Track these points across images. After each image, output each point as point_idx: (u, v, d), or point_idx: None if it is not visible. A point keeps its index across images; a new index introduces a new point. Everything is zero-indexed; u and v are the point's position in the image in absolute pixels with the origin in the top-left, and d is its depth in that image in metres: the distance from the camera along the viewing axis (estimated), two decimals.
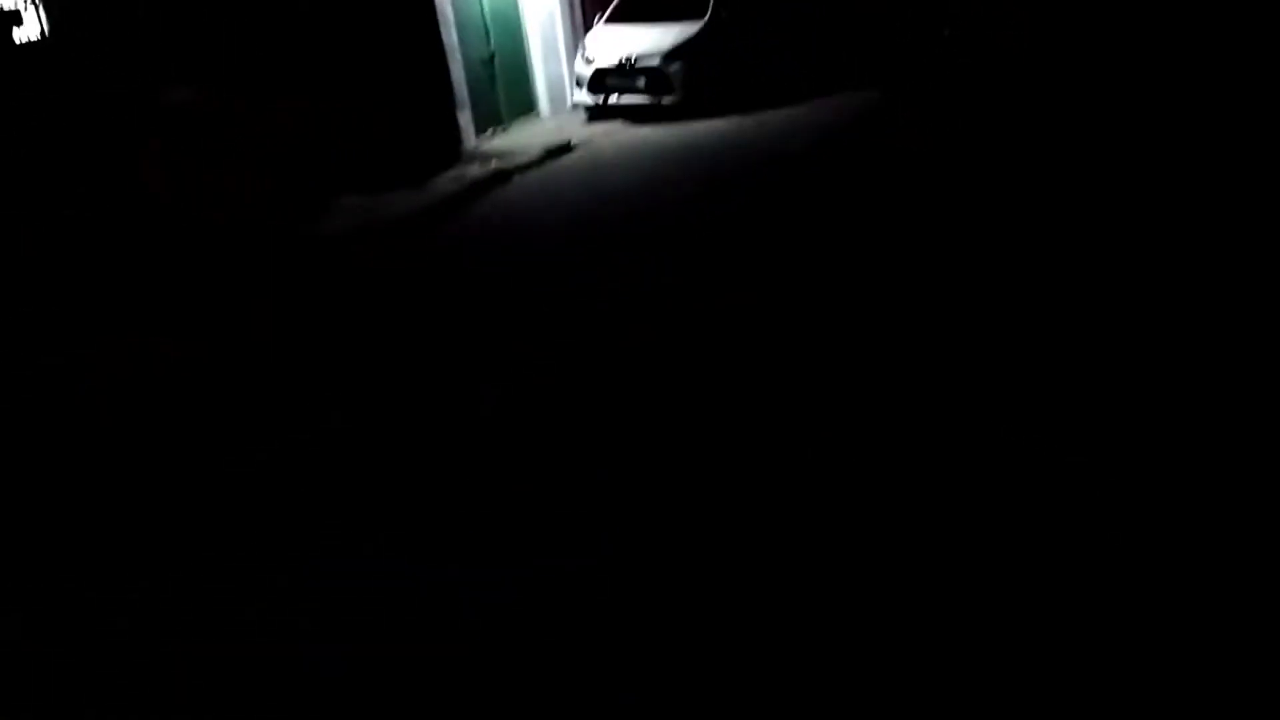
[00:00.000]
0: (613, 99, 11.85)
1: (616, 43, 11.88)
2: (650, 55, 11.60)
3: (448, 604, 3.48)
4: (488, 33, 11.64)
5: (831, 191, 8.08)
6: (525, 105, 12.50)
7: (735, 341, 5.44)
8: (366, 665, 3.19)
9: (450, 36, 10.65)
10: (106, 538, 4.28)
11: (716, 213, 7.88)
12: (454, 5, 10.80)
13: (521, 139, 11.33)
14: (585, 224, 8.19)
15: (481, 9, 11.53)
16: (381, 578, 3.67)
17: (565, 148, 10.79)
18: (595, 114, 12.08)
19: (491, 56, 11.70)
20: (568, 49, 12.78)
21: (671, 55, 11.56)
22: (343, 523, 4.14)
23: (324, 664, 3.24)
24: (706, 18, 11.89)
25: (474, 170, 9.95)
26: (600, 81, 11.83)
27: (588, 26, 12.65)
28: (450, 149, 10.56)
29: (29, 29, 7.48)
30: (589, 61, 11.90)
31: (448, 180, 9.68)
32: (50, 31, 7.56)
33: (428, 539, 3.94)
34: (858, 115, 10.88)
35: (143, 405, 5.60)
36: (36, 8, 7.49)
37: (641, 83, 11.69)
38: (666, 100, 11.63)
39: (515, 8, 12.23)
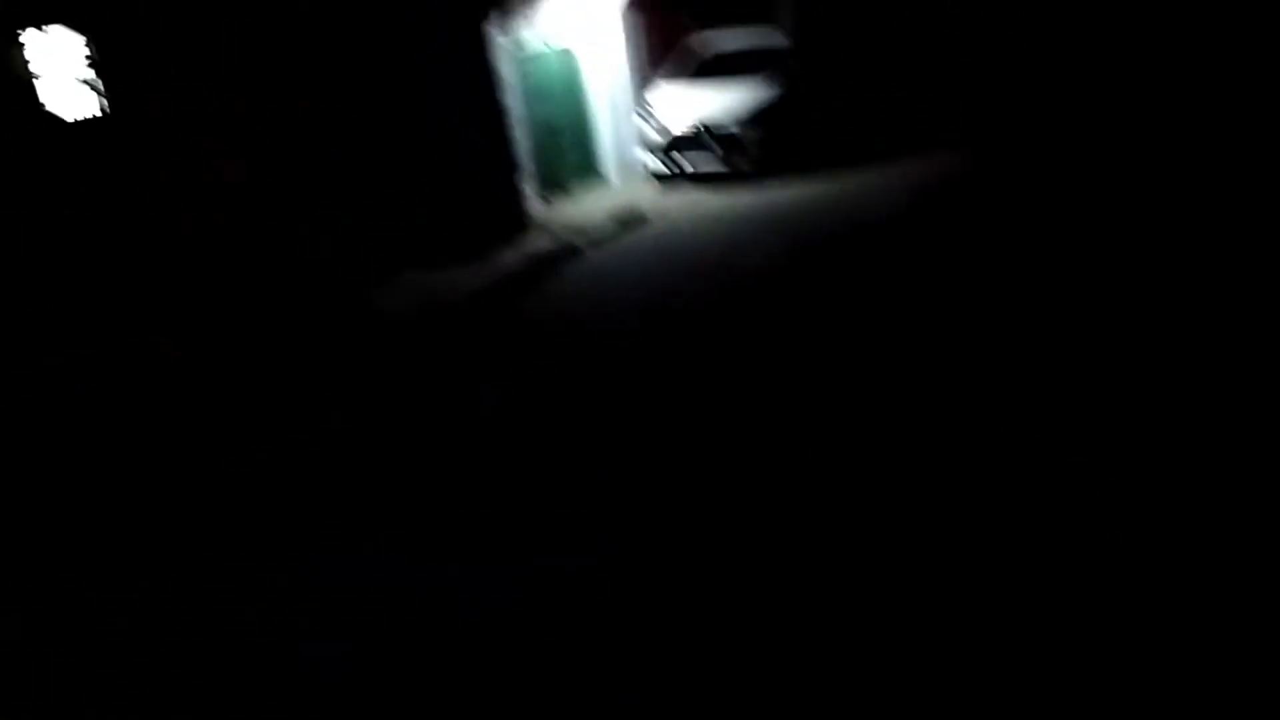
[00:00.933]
0: (685, 165, 11.30)
1: (686, 105, 11.32)
2: (724, 118, 11.04)
3: (448, 604, 3.48)
4: (550, 96, 11.19)
5: (923, 264, 7.12)
6: (591, 172, 11.94)
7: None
8: (366, 665, 3.19)
9: (512, 101, 10.12)
10: (106, 538, 4.28)
11: (814, 298, 6.65)
12: (515, 69, 10.33)
13: (589, 208, 10.70)
14: (667, 310, 6.87)
15: (543, 72, 11.09)
16: (381, 578, 3.68)
17: (638, 218, 10.18)
18: (666, 180, 11.51)
19: (554, 121, 11.21)
20: (634, 112, 12.07)
21: (747, 118, 11.01)
22: (343, 523, 4.14)
23: (324, 664, 3.24)
24: (781, 76, 11.30)
25: (540, 242, 9.25)
26: (671, 147, 11.29)
27: (653, 87, 12.05)
28: (514, 220, 9.83)
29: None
30: (658, 126, 11.38)
31: (512, 254, 8.93)
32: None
33: (428, 539, 3.94)
34: (947, 178, 9.82)
35: (143, 405, 5.61)
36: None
37: (716, 148, 11.10)
38: (743, 166, 11.08)
39: (576, 70, 11.75)
